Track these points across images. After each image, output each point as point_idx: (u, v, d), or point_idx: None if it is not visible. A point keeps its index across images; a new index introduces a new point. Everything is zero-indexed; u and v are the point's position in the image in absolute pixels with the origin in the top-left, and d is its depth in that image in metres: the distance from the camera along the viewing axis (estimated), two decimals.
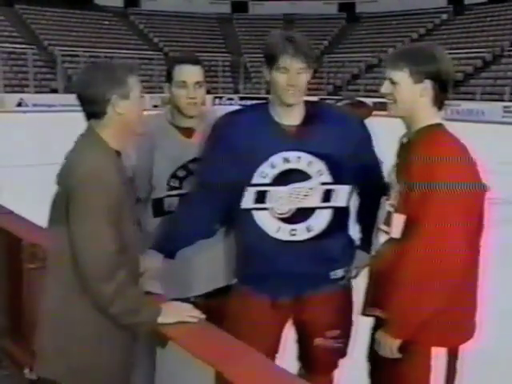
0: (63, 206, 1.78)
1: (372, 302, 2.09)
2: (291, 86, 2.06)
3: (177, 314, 1.88)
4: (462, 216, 1.86)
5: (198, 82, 2.31)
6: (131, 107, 1.84)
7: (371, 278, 2.10)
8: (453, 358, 2.01)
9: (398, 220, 1.96)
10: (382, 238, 2.05)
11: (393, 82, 1.97)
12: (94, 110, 1.82)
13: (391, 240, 2.00)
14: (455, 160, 1.88)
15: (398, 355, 1.96)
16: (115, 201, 1.77)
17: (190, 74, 2.31)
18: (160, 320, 1.84)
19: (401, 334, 1.95)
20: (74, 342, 1.81)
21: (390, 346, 1.96)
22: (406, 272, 1.89)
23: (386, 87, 2.00)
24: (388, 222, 2.01)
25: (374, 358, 2.10)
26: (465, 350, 2.03)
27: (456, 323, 1.96)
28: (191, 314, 1.90)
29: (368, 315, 2.12)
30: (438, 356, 1.99)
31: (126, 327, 1.83)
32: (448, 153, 1.89)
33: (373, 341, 2.10)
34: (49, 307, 1.86)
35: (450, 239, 1.85)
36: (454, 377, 2.03)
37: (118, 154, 1.88)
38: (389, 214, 2.02)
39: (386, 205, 2.05)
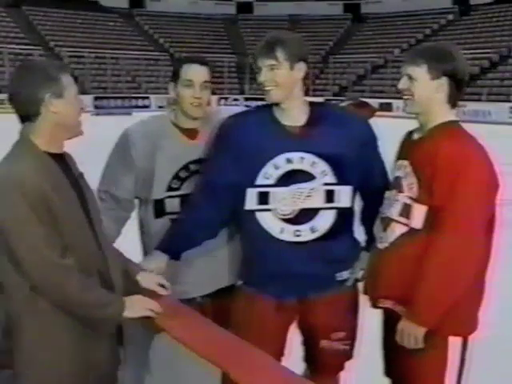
0: None
1: (384, 294, 2.10)
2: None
3: (141, 308, 1.86)
4: (485, 207, 1.96)
5: (204, 82, 2.30)
6: (67, 106, 1.78)
7: (385, 269, 2.10)
8: (463, 346, 2.06)
9: (420, 211, 2.00)
10: (398, 231, 2.06)
11: (410, 78, 2.04)
12: (27, 111, 1.76)
13: (412, 232, 2.02)
14: (479, 154, 1.97)
15: (421, 345, 1.99)
16: (41, 203, 1.70)
17: (198, 73, 2.30)
18: (126, 314, 1.82)
19: (427, 321, 1.98)
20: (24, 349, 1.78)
21: (415, 335, 1.98)
22: (433, 262, 1.94)
23: (403, 83, 2.06)
24: (406, 214, 2.04)
25: (389, 352, 2.15)
26: (474, 338, 2.08)
27: (471, 312, 2.04)
28: (152, 307, 1.87)
29: (379, 307, 2.13)
30: (453, 347, 2.05)
31: (93, 324, 1.81)
32: (472, 147, 1.98)
33: (386, 334, 2.15)
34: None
35: (476, 229, 1.93)
36: (464, 365, 2.07)
37: (59, 155, 1.82)
38: (406, 205, 2.05)
39: (401, 197, 2.07)
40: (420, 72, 2.01)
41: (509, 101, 25.78)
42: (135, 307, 1.85)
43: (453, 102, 2.05)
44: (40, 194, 1.71)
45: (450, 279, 1.94)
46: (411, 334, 1.99)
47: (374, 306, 2.16)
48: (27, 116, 1.77)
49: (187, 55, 2.60)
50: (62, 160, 1.84)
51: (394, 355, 2.12)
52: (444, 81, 2.01)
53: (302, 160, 2.12)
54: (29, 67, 1.81)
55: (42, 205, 1.71)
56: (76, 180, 1.87)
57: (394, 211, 2.08)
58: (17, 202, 1.69)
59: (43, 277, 1.73)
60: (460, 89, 2.04)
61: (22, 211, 1.69)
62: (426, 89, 2.01)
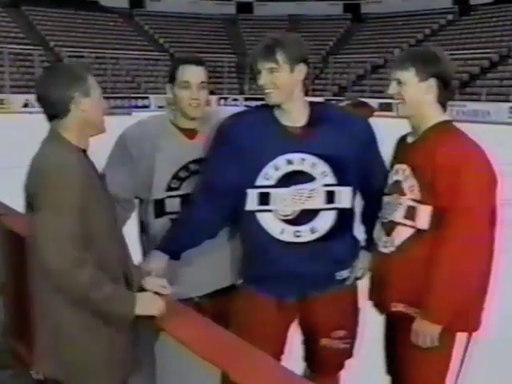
0: (32, 209, 1.79)
1: (396, 298, 2.10)
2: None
3: (151, 306, 1.88)
4: (487, 202, 1.99)
5: (201, 83, 2.30)
6: (93, 105, 1.87)
7: (395, 273, 2.10)
8: (467, 343, 2.08)
9: (425, 212, 2.03)
10: (404, 234, 2.08)
11: (400, 82, 2.08)
12: (57, 109, 1.84)
13: (419, 234, 2.05)
14: (476, 151, 2.01)
15: (437, 343, 2.01)
16: (79, 196, 1.76)
17: (194, 74, 2.30)
18: (137, 311, 1.83)
19: (442, 319, 2.00)
20: (63, 341, 1.83)
21: (431, 333, 2.01)
22: (442, 260, 1.97)
23: (393, 88, 2.11)
24: (411, 216, 2.06)
25: (392, 350, 2.18)
26: (475, 337, 2.10)
27: (477, 309, 2.07)
28: (161, 306, 1.89)
29: (391, 312, 2.14)
30: (460, 344, 2.07)
31: (107, 319, 1.84)
32: (469, 145, 2.02)
33: (389, 333, 2.19)
34: (38, 310, 1.88)
35: (481, 224, 1.97)
36: (464, 362, 2.10)
37: (84, 151, 1.90)
38: (410, 208, 2.07)
39: (404, 200, 2.09)
40: (408, 76, 2.06)
41: (508, 101, 25.78)
42: (146, 305, 1.87)
43: (443, 102, 2.10)
44: (78, 184, 1.77)
45: (462, 276, 1.97)
46: (427, 332, 2.01)
47: (385, 311, 2.17)
48: (56, 114, 1.85)
49: (183, 55, 2.60)
50: (87, 157, 1.91)
51: (397, 353, 2.14)
52: (432, 82, 2.06)
53: (302, 161, 2.12)
54: (57, 68, 1.92)
55: (78, 195, 1.77)
56: (101, 177, 1.94)
57: (397, 215, 2.10)
58: (56, 189, 1.74)
59: (57, 266, 1.74)
60: (448, 89, 2.08)
61: (58, 200, 1.74)
62: (416, 91, 2.06)
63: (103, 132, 1.95)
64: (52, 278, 1.77)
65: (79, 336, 1.83)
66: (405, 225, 2.08)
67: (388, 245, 2.13)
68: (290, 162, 2.12)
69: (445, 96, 2.09)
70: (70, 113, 1.84)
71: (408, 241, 2.07)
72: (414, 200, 2.06)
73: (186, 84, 2.29)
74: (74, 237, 1.75)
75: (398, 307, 2.10)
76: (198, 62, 2.33)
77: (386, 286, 2.13)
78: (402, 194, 2.10)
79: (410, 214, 2.06)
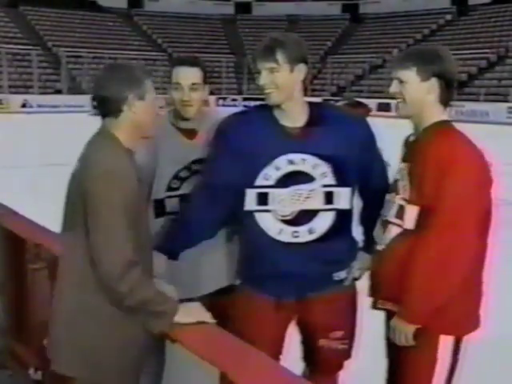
0: (80, 207, 1.80)
1: (383, 295, 2.11)
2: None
3: (192, 315, 1.86)
4: (475, 205, 1.96)
5: (193, 84, 2.30)
6: (146, 108, 1.89)
7: (382, 271, 2.11)
8: (456, 346, 2.06)
9: (411, 211, 2.02)
10: (393, 232, 2.08)
11: (401, 82, 2.06)
12: (110, 108, 1.86)
13: (404, 233, 2.04)
14: (468, 152, 1.98)
15: (412, 342, 2.00)
16: (132, 199, 1.80)
17: (185, 75, 2.31)
18: (176, 319, 1.82)
19: (415, 319, 1.99)
20: (89, 339, 1.83)
21: (405, 333, 2.01)
22: (421, 260, 1.96)
23: (394, 87, 2.08)
24: (401, 216, 2.06)
25: (390, 350, 2.17)
26: (468, 340, 2.08)
27: (465, 312, 2.04)
28: (204, 317, 1.87)
29: (379, 309, 2.15)
30: (445, 346, 2.04)
31: (143, 325, 1.84)
32: (461, 146, 1.99)
33: (387, 331, 2.15)
34: (63, 306, 1.88)
35: (463, 230, 1.94)
36: (456, 365, 2.07)
37: (131, 152, 1.91)
38: (401, 207, 2.07)
39: (397, 199, 2.09)
40: (410, 75, 2.03)
41: (506, 101, 25.81)
42: (186, 314, 1.84)
43: (444, 102, 2.07)
44: (131, 190, 1.80)
45: (438, 278, 1.94)
46: (402, 331, 2.01)
47: (375, 307, 2.17)
48: (108, 112, 1.87)
49: (181, 56, 2.61)
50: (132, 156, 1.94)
51: (394, 350, 2.13)
52: (434, 82, 2.03)
53: (303, 161, 2.12)
54: (117, 68, 1.93)
55: (132, 200, 1.79)
56: (139, 180, 1.95)
57: (391, 213, 2.11)
58: (113, 192, 1.76)
59: (112, 266, 1.76)
60: (450, 88, 2.06)
61: (116, 201, 1.76)
62: (417, 91, 2.04)
63: (151, 136, 1.98)
64: (103, 277, 1.77)
65: (105, 335, 1.84)
66: (395, 224, 2.08)
67: (382, 242, 2.14)
68: (291, 163, 2.12)
69: (447, 96, 2.06)
70: (122, 113, 1.86)
71: (394, 240, 2.08)
72: (404, 199, 2.05)
73: (178, 85, 2.31)
74: (129, 238, 1.77)
75: (387, 305, 2.10)
76: (192, 64, 2.33)
77: (375, 284, 2.14)
78: (397, 192, 2.10)
79: (400, 213, 2.06)
